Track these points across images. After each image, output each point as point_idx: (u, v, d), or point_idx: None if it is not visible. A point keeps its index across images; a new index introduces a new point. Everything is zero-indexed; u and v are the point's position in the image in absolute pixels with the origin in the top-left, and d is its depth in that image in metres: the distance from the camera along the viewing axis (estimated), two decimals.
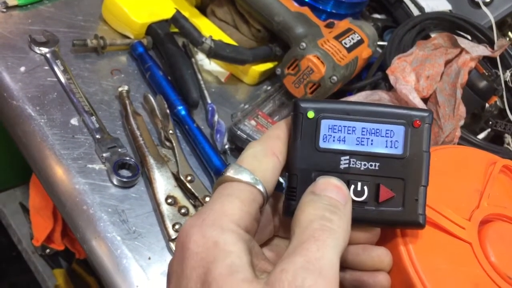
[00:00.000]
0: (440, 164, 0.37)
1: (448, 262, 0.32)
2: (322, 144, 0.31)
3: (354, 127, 0.31)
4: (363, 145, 0.31)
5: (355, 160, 0.31)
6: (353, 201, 0.31)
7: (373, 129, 0.31)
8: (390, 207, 0.31)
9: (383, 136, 0.31)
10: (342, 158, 0.31)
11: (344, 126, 0.31)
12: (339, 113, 0.31)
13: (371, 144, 0.31)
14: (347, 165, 0.31)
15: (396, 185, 0.31)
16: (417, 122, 0.31)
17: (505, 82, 0.74)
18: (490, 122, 0.74)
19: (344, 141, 0.31)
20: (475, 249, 0.33)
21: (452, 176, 0.37)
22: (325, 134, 0.31)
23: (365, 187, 0.31)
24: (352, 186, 0.31)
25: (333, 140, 0.31)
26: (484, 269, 0.32)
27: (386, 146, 0.31)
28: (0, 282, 1.13)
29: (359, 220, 0.33)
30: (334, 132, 0.31)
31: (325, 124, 0.31)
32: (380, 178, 0.31)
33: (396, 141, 0.31)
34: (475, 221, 0.34)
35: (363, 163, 0.31)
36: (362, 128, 0.31)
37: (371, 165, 0.31)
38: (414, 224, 0.31)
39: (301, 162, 0.32)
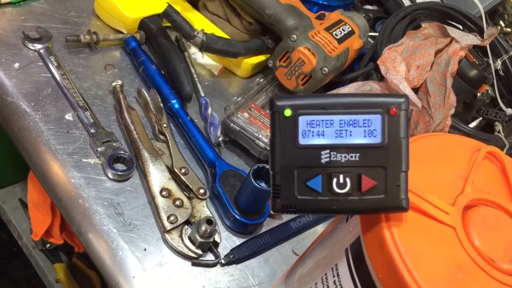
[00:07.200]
0: (425, 151, 0.37)
1: (432, 246, 0.32)
2: (302, 141, 0.32)
3: (332, 120, 0.31)
4: (342, 137, 0.31)
5: (335, 153, 0.32)
6: (337, 193, 0.32)
7: (351, 120, 0.31)
8: (373, 195, 0.32)
9: (361, 127, 0.31)
10: (323, 152, 0.32)
11: (322, 120, 0.31)
12: (315, 108, 0.31)
13: (350, 135, 0.31)
14: (328, 159, 0.32)
15: (377, 173, 0.32)
16: (393, 109, 0.31)
17: (496, 70, 0.75)
18: (482, 111, 0.75)
19: (323, 135, 0.31)
20: (458, 233, 0.33)
21: (437, 162, 0.37)
22: (303, 130, 0.31)
23: (347, 179, 0.32)
24: (335, 179, 0.32)
25: (312, 135, 0.31)
26: (468, 253, 0.33)
27: (365, 136, 0.31)
28: (1, 277, 1.14)
29: (344, 210, 0.33)
30: (312, 127, 0.31)
31: (302, 120, 0.31)
32: (361, 168, 0.32)
33: (374, 130, 0.31)
34: (459, 206, 0.35)
35: (343, 155, 0.32)
36: (340, 120, 0.31)
37: (351, 157, 0.32)
38: (397, 209, 0.32)
39: (282, 160, 0.32)
